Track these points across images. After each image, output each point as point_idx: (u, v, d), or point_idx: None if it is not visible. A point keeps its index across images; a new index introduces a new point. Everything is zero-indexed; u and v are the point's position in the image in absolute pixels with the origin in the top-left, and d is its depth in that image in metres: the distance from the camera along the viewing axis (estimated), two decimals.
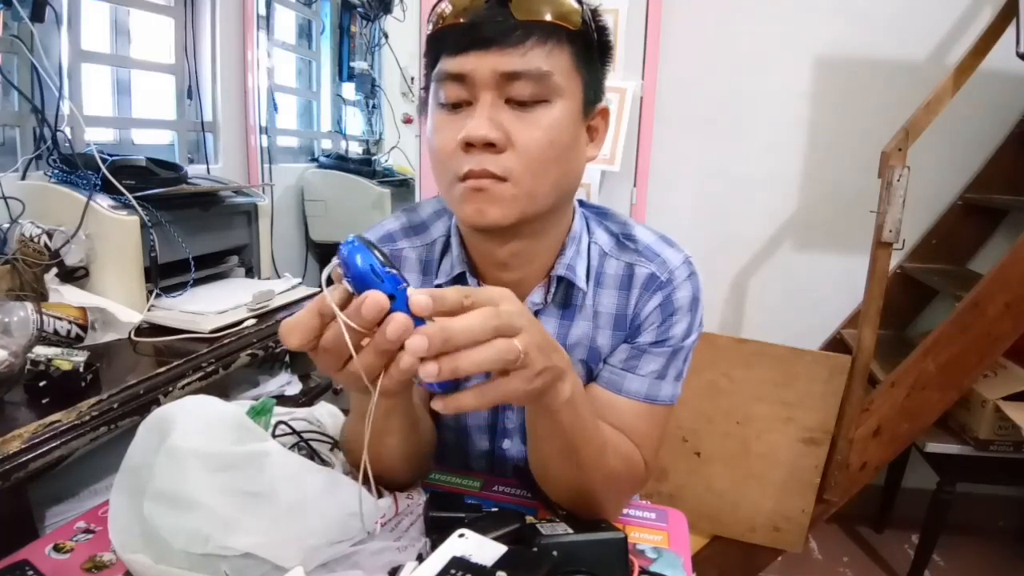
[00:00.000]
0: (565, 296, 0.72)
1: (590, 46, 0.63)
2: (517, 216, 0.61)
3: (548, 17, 0.59)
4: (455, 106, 0.61)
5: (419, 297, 0.42)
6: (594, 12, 0.63)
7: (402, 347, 0.41)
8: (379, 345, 0.42)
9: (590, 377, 0.73)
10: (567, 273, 0.70)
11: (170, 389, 1.00)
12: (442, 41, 0.61)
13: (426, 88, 0.66)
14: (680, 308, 0.70)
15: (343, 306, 0.42)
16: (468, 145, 0.59)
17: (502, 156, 0.59)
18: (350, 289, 0.42)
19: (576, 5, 0.61)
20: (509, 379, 0.47)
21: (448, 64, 0.60)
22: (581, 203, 0.76)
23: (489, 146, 0.58)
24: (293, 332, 0.43)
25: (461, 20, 0.59)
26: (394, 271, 0.42)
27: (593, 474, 0.61)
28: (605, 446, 0.62)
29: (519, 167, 0.59)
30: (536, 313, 0.71)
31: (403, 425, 0.62)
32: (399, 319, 0.41)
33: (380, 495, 0.62)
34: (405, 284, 0.42)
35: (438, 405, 0.45)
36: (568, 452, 0.59)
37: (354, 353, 0.42)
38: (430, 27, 0.63)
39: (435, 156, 0.63)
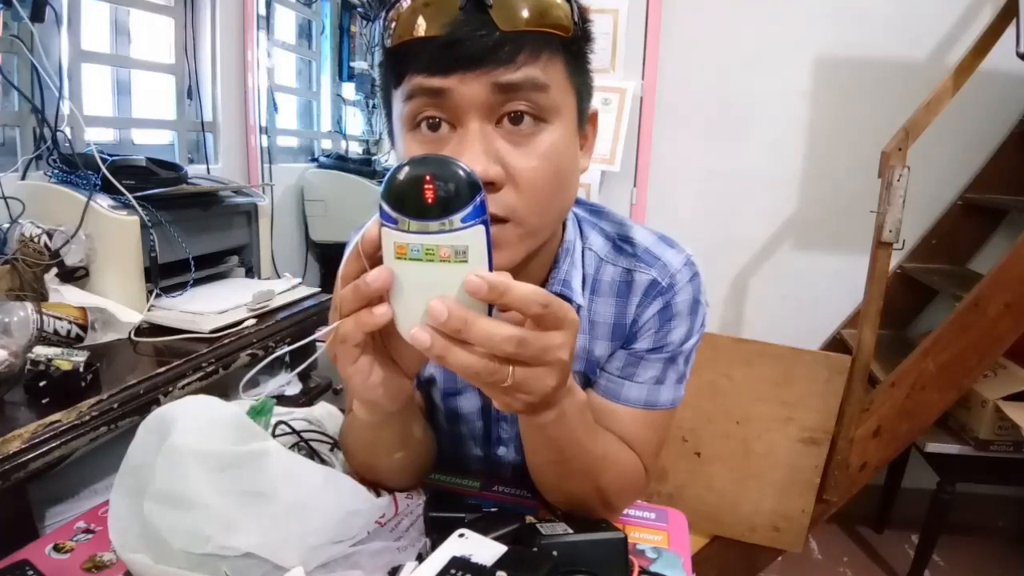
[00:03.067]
0: None
1: (581, 52, 0.56)
2: (522, 257, 0.55)
3: (538, 25, 0.50)
4: (433, 127, 0.52)
5: (473, 279, 0.39)
6: (581, 10, 0.55)
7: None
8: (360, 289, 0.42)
9: (588, 386, 0.71)
10: (563, 290, 0.65)
11: (170, 389, 1.00)
12: (410, 59, 0.51)
13: (387, 105, 0.58)
14: (679, 313, 0.67)
15: (354, 277, 0.42)
16: None
17: (501, 194, 0.51)
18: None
19: (565, 5, 0.52)
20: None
21: (424, 81, 0.51)
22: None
23: (486, 184, 0.49)
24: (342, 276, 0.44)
25: (432, 32, 0.49)
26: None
27: (587, 487, 0.60)
28: (604, 460, 0.60)
29: (522, 205, 0.52)
30: None
31: (392, 440, 0.61)
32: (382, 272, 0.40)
33: (379, 494, 0.63)
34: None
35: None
36: (559, 463, 0.58)
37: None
38: (388, 34, 0.52)
39: None
